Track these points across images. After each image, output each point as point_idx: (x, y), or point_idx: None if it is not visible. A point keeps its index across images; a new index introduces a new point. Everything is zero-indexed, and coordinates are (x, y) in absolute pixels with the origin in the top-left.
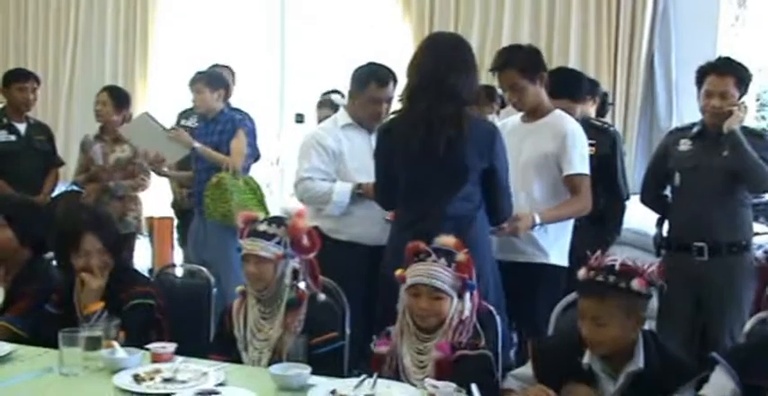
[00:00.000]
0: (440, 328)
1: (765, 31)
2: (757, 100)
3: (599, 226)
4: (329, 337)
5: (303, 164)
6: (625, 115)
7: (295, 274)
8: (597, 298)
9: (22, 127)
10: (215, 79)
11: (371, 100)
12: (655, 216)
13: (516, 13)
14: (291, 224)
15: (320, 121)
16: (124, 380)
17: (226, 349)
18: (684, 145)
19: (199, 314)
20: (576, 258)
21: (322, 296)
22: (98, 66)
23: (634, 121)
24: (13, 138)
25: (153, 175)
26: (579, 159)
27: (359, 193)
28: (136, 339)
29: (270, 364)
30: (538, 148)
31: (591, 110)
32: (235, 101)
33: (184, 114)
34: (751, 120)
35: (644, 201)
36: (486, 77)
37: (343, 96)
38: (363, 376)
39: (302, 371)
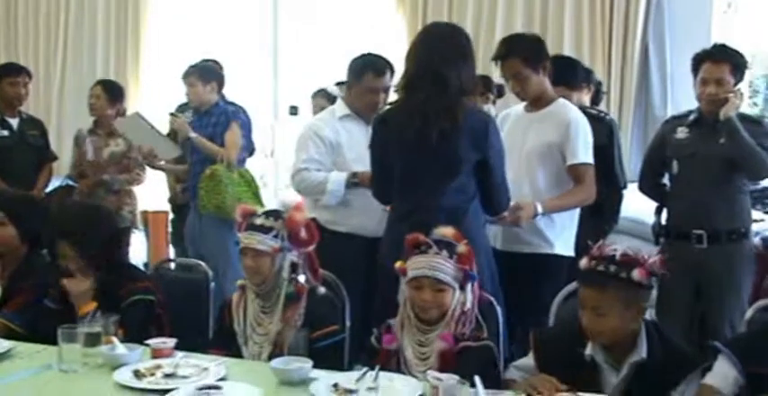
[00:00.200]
0: (441, 320)
1: (757, 18)
2: (749, 87)
3: (597, 215)
4: (330, 330)
5: (300, 155)
6: (620, 104)
7: (294, 267)
8: (597, 288)
9: (14, 122)
10: (207, 72)
11: (368, 90)
12: (652, 204)
13: (510, 3)
14: (289, 217)
15: (315, 110)
16: (124, 376)
17: (225, 343)
18: (681, 133)
19: (198, 308)
20: (578, 248)
21: (322, 289)
22: (89, 60)
23: (629, 109)
24: (5, 133)
25: (148, 169)
26: (583, 149)
27: (354, 182)
28: (136, 335)
29: (270, 358)
30: (541, 138)
31: (586, 98)
32: (228, 94)
33: (181, 109)
34: (743, 106)
35: (642, 189)
36: (481, 68)
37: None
38: (365, 369)
39: (303, 365)
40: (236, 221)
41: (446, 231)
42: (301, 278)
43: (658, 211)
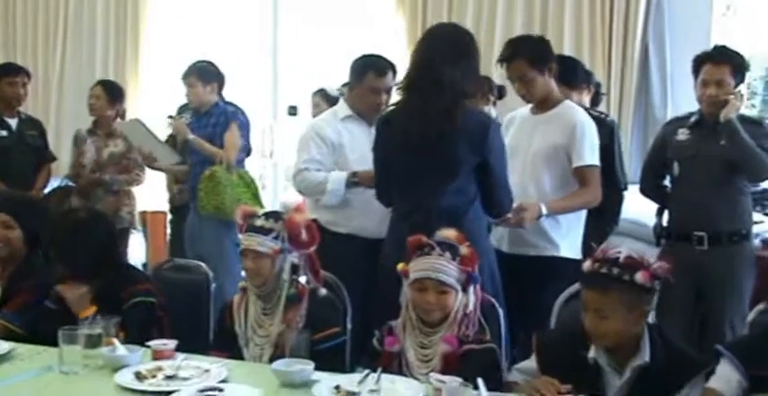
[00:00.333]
0: (444, 322)
1: (756, 20)
2: (747, 88)
3: (598, 217)
4: (331, 332)
5: (302, 155)
6: (620, 105)
7: (294, 268)
8: (600, 290)
9: (13, 122)
10: (207, 72)
11: (370, 90)
12: (652, 206)
13: (510, 5)
14: (289, 218)
15: (313, 108)
16: (126, 378)
17: (226, 345)
18: (682, 134)
19: (198, 310)
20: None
21: (323, 291)
22: (88, 60)
23: (629, 111)
24: (4, 133)
25: (147, 170)
26: (589, 151)
27: (354, 182)
28: (137, 337)
29: (271, 360)
30: (547, 140)
31: (586, 99)
32: (227, 94)
33: (181, 110)
34: (742, 108)
35: (643, 191)
36: (482, 69)
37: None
38: (367, 371)
39: (305, 366)
40: (237, 223)
41: (448, 233)
42: (302, 280)
43: (660, 213)
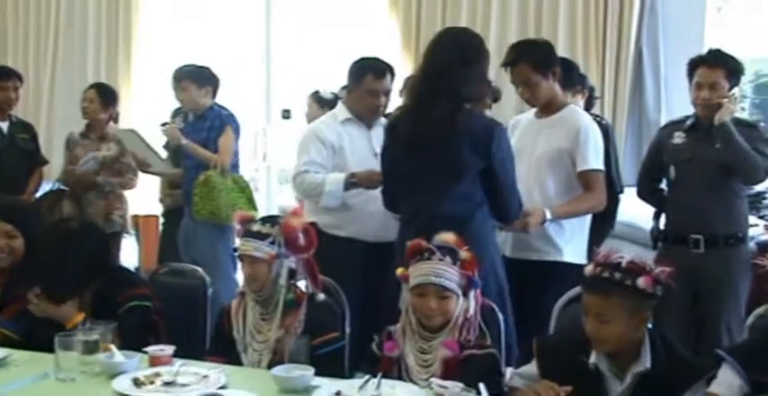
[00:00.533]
0: (444, 327)
1: (746, 23)
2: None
3: (594, 220)
4: (330, 337)
5: (302, 158)
6: (614, 109)
7: (292, 273)
8: (602, 294)
9: (4, 125)
10: (201, 76)
11: (368, 92)
12: (648, 209)
13: (504, 8)
14: (285, 223)
15: (306, 111)
16: (123, 384)
17: (224, 351)
18: (678, 138)
19: (194, 315)
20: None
21: (321, 296)
22: (80, 63)
23: (623, 114)
24: None
25: (140, 174)
26: (593, 155)
27: (352, 183)
28: (133, 343)
29: (269, 365)
30: (551, 144)
31: (580, 102)
32: (221, 97)
33: (175, 113)
34: None
35: (640, 195)
36: None
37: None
38: (367, 377)
39: (305, 372)
40: (234, 228)
41: (447, 237)
42: (301, 284)
43: (656, 216)
